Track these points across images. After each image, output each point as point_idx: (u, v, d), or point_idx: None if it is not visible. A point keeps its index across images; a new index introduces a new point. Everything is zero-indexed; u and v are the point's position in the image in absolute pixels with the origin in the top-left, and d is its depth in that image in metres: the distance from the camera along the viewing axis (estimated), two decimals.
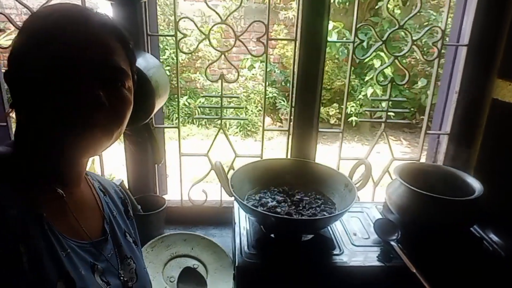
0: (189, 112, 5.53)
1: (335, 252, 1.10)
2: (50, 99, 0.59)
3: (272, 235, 1.15)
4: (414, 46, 1.40)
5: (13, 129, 1.48)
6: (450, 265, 1.09)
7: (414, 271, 0.98)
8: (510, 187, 1.22)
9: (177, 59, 1.45)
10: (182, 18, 1.39)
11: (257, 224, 1.19)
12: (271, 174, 1.31)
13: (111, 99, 0.63)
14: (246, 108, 5.48)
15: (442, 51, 1.40)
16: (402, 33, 4.74)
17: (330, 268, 1.07)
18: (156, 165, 1.51)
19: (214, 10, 1.38)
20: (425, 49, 4.57)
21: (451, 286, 1.03)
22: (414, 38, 1.39)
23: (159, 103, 1.25)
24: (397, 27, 1.38)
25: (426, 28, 1.42)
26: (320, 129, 1.45)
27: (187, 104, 5.46)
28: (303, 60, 1.35)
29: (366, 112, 5.25)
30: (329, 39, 1.34)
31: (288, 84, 5.81)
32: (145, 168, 1.49)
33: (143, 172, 1.49)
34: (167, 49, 5.41)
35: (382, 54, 4.85)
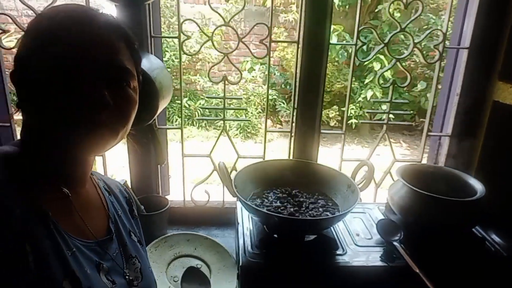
0: (189, 114, 5.54)
1: (338, 252, 1.10)
2: (56, 99, 0.60)
3: (275, 235, 1.16)
4: (415, 49, 1.41)
5: (17, 130, 1.49)
6: (453, 265, 1.10)
7: (417, 271, 0.99)
8: (511, 189, 1.23)
9: (180, 61, 1.46)
10: (186, 20, 1.40)
11: (261, 224, 1.20)
12: (273, 175, 1.32)
13: (116, 98, 0.64)
14: (246, 110, 5.49)
15: (443, 54, 1.41)
16: (402, 36, 4.77)
17: (333, 268, 1.07)
18: (159, 166, 1.52)
19: (217, 13, 1.39)
20: (424, 52, 4.59)
21: (453, 286, 1.03)
22: (415, 41, 1.40)
23: (163, 104, 1.26)
24: (398, 30, 1.39)
25: (428, 31, 1.43)
26: (322, 131, 1.46)
27: (187, 106, 5.46)
28: (305, 62, 1.36)
29: (366, 114, 5.27)
30: (330, 41, 1.35)
31: (288, 86, 5.82)
32: (148, 168, 1.49)
33: (146, 173, 1.50)
34: (167, 51, 5.42)
35: (381, 57, 4.87)
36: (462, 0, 1.40)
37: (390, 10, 4.84)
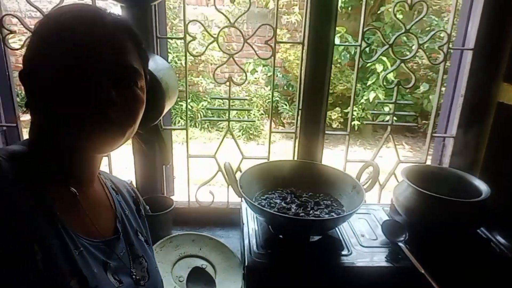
0: (191, 115, 5.55)
1: (343, 253, 1.10)
2: (63, 98, 0.60)
3: (280, 236, 1.16)
4: (419, 50, 1.41)
5: (23, 131, 1.50)
6: (458, 266, 1.10)
7: (423, 271, 0.99)
8: None
9: (186, 62, 1.47)
10: (191, 21, 1.41)
11: (266, 224, 1.20)
12: (278, 175, 1.33)
13: (124, 98, 0.64)
14: (250, 111, 5.49)
15: (447, 55, 1.41)
16: (404, 38, 4.77)
17: (338, 268, 1.07)
18: (163, 167, 1.52)
19: (223, 14, 1.39)
20: (427, 53, 4.59)
21: (458, 287, 1.03)
22: (420, 42, 1.40)
23: (169, 105, 1.27)
24: (403, 31, 1.39)
25: (432, 32, 1.44)
26: (326, 132, 1.46)
27: (190, 107, 5.47)
28: (310, 62, 1.36)
29: (369, 116, 5.27)
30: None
31: (290, 88, 5.82)
32: (153, 169, 1.50)
33: (151, 173, 1.50)
34: (170, 53, 5.44)
35: (384, 58, 4.88)
36: (467, 2, 1.40)
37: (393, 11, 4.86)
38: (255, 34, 1.46)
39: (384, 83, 1.56)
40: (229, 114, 1.49)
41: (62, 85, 0.60)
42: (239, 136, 5.41)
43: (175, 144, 2.12)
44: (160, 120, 1.37)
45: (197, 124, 5.57)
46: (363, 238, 1.18)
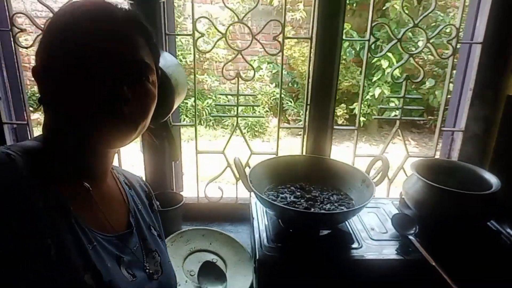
0: (197, 113, 5.56)
1: (353, 246, 1.11)
2: (75, 94, 0.61)
3: (291, 230, 1.17)
4: (428, 44, 1.41)
5: (33, 128, 1.51)
6: (468, 258, 1.10)
7: (434, 264, 0.99)
8: None
9: (194, 59, 1.47)
10: (200, 18, 1.41)
11: (275, 219, 1.21)
12: (288, 170, 1.33)
13: (136, 93, 0.64)
14: (258, 107, 5.50)
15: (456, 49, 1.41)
16: (410, 34, 4.75)
17: (349, 261, 1.08)
18: (172, 163, 1.53)
19: (232, 10, 1.40)
20: (435, 48, 4.56)
21: (469, 279, 1.03)
22: (428, 37, 1.40)
23: (178, 101, 1.27)
24: (412, 25, 1.39)
25: (441, 26, 1.43)
26: (335, 127, 1.47)
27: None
28: (318, 57, 1.36)
29: (374, 112, 5.26)
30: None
31: (295, 85, 5.82)
32: (162, 165, 1.51)
33: (161, 170, 1.51)
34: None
35: (389, 54, 4.86)
36: None
37: (397, 7, 4.84)
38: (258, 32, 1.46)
39: (392, 78, 1.55)
40: (237, 110, 1.50)
41: (73, 81, 0.60)
42: (245, 133, 5.42)
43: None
44: (169, 116, 1.37)
45: (202, 122, 5.58)
46: (373, 232, 1.18)
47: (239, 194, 1.59)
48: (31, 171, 0.59)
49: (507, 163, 1.33)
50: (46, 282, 0.55)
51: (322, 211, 1.14)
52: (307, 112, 1.45)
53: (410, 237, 1.10)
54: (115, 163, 1.50)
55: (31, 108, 1.47)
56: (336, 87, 1.40)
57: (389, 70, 4.92)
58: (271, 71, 5.80)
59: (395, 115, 1.48)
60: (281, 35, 1.39)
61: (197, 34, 1.39)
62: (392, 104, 4.69)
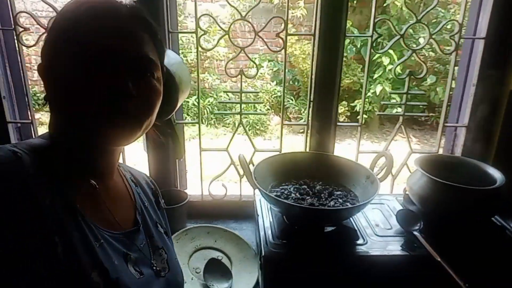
0: (198, 112, 5.56)
1: (358, 242, 1.11)
2: (80, 91, 0.61)
3: (296, 226, 1.17)
4: (432, 40, 1.41)
5: (37, 127, 1.52)
6: (473, 254, 1.10)
7: (439, 259, 0.99)
8: None
9: (197, 57, 1.47)
10: (203, 15, 1.42)
11: (280, 215, 1.21)
12: (292, 167, 1.33)
13: (141, 89, 0.64)
14: (255, 106, 5.50)
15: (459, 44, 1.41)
16: (411, 30, 4.75)
17: (354, 257, 1.08)
18: (176, 161, 1.54)
19: (235, 8, 1.41)
20: (433, 46, 4.55)
21: (474, 274, 1.04)
22: (430, 32, 1.40)
23: (182, 99, 1.27)
24: (414, 21, 1.39)
25: (444, 22, 1.43)
26: (338, 123, 1.47)
27: (196, 104, 5.49)
28: (321, 54, 1.37)
29: (375, 109, 5.26)
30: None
31: (296, 83, 5.82)
32: (167, 163, 1.51)
33: (165, 168, 1.52)
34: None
35: (390, 51, 4.86)
36: None
37: (398, 4, 4.84)
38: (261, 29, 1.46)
39: (395, 74, 1.55)
40: (241, 107, 1.50)
41: (78, 79, 0.60)
42: (245, 132, 5.43)
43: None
44: (173, 114, 1.38)
45: (203, 120, 5.59)
46: (377, 228, 1.18)
47: (243, 192, 1.59)
48: (38, 169, 0.59)
49: (511, 158, 1.33)
50: (54, 279, 0.55)
51: (327, 208, 1.14)
52: (310, 109, 1.45)
53: (415, 232, 1.10)
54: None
55: (38, 107, 1.47)
56: (339, 83, 1.40)
57: (390, 67, 4.93)
58: (272, 69, 5.80)
59: (397, 112, 1.48)
60: (284, 31, 1.39)
61: (199, 32, 1.39)
62: (393, 101, 4.68)
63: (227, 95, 5.65)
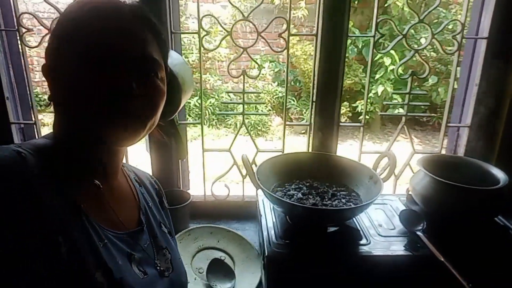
0: (200, 112, 5.56)
1: (362, 242, 1.11)
2: (84, 91, 0.61)
3: (299, 227, 1.17)
4: (434, 40, 1.41)
5: (40, 128, 1.52)
6: (476, 254, 1.10)
7: (442, 259, 0.99)
8: None
9: (200, 57, 1.47)
10: (205, 16, 1.42)
11: (283, 215, 1.21)
12: (294, 167, 1.33)
13: (145, 89, 0.64)
14: (256, 107, 5.51)
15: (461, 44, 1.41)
16: (412, 31, 4.75)
17: (358, 257, 1.08)
18: (179, 161, 1.54)
19: (237, 8, 1.40)
20: (435, 46, 4.55)
21: (477, 274, 1.04)
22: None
23: (185, 99, 1.28)
24: (417, 21, 1.39)
25: (446, 22, 1.43)
26: (341, 124, 1.47)
27: (197, 104, 5.49)
28: (324, 54, 1.37)
29: (377, 110, 5.26)
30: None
31: (297, 84, 5.82)
32: (169, 164, 1.51)
33: (167, 168, 1.52)
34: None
35: (392, 52, 4.86)
36: None
37: (400, 4, 4.84)
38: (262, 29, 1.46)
39: (398, 74, 1.55)
40: (243, 108, 1.50)
41: (82, 79, 0.61)
42: (247, 133, 5.43)
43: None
44: (176, 115, 1.38)
45: (205, 121, 5.60)
46: (381, 228, 1.18)
47: (245, 192, 1.59)
48: (42, 169, 0.59)
49: None
50: (57, 279, 0.55)
51: (330, 208, 1.14)
52: (313, 109, 1.45)
53: (418, 233, 1.10)
54: None
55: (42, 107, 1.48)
56: (342, 83, 1.40)
57: (391, 67, 4.93)
58: (273, 70, 5.80)
59: (399, 112, 1.49)
60: (286, 32, 1.39)
61: (202, 32, 1.39)
62: (395, 102, 4.68)
63: (229, 96, 5.65)
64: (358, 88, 5.52)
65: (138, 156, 1.90)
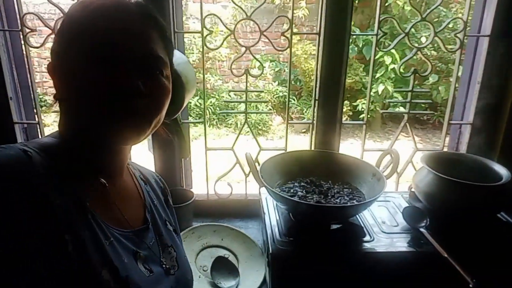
0: (200, 112, 5.57)
1: (365, 239, 1.12)
2: (90, 88, 0.61)
3: (302, 224, 1.17)
4: (436, 38, 1.41)
5: (43, 127, 1.52)
6: (480, 250, 1.11)
7: (446, 255, 1.00)
8: None
9: (203, 57, 1.47)
10: (209, 15, 1.42)
11: (287, 213, 1.21)
12: (298, 165, 1.33)
13: (150, 87, 0.64)
14: (257, 107, 5.51)
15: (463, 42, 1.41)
16: (412, 30, 4.75)
17: (361, 254, 1.09)
18: (182, 160, 1.54)
19: (240, 7, 1.41)
20: (436, 45, 4.56)
21: (481, 270, 1.04)
22: (435, 30, 1.41)
23: (188, 98, 1.28)
24: (419, 19, 1.40)
25: (448, 20, 1.44)
26: (343, 122, 1.47)
27: (198, 104, 5.50)
28: (326, 53, 1.37)
29: (378, 109, 5.26)
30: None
31: (298, 83, 5.83)
32: (172, 162, 1.52)
33: (170, 167, 1.52)
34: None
35: (392, 50, 4.86)
36: None
37: (400, 3, 4.84)
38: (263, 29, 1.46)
39: (400, 72, 1.55)
40: (246, 106, 1.51)
41: (87, 77, 0.61)
42: (248, 132, 5.45)
43: None
44: (179, 114, 1.38)
45: (206, 121, 5.59)
46: (384, 225, 1.19)
47: (248, 190, 1.60)
48: (48, 168, 0.59)
49: None
50: (64, 278, 0.55)
51: (334, 205, 1.15)
52: (315, 108, 1.46)
53: (421, 229, 1.11)
54: None
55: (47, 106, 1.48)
56: (344, 81, 1.41)
57: (392, 66, 4.93)
58: (274, 69, 5.80)
59: (399, 111, 1.49)
60: (289, 31, 1.39)
61: (205, 32, 1.40)
62: (396, 100, 4.68)
63: (229, 95, 5.65)
64: (358, 87, 5.52)
65: (139, 156, 1.90)
